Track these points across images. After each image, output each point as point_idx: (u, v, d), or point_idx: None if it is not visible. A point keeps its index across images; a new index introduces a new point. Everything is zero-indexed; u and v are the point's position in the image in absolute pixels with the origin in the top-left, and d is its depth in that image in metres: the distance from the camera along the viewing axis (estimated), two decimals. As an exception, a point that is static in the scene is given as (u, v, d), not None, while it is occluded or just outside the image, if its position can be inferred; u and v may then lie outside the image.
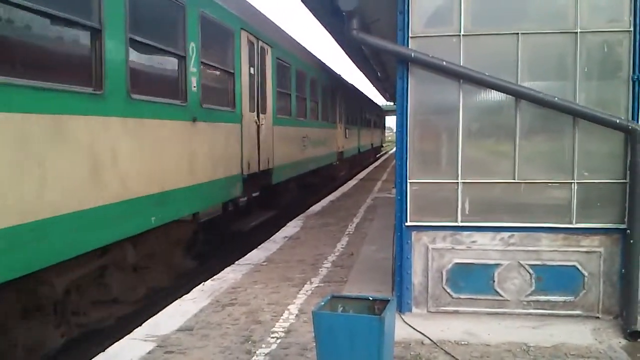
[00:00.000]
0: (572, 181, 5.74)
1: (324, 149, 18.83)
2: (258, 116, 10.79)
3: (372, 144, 39.46)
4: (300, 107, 15.46)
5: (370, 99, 39.49)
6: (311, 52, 18.74)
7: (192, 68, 7.63)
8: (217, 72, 9.01)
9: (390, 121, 79.10)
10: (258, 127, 10.75)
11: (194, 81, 7.70)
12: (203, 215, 8.87)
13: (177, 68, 7.39)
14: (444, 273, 5.90)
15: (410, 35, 5.79)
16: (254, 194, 11.29)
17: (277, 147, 12.20)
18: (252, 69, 10.49)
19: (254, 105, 10.58)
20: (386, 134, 72.20)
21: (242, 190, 9.83)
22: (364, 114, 32.78)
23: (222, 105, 9.00)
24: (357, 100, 29.42)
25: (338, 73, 23.83)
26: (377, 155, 48.01)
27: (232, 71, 9.42)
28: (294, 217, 12.86)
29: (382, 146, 56.28)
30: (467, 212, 5.87)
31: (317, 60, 19.08)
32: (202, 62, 7.99)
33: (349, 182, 22.03)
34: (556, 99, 5.60)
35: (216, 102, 8.72)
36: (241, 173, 9.72)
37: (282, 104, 13.16)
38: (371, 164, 35.36)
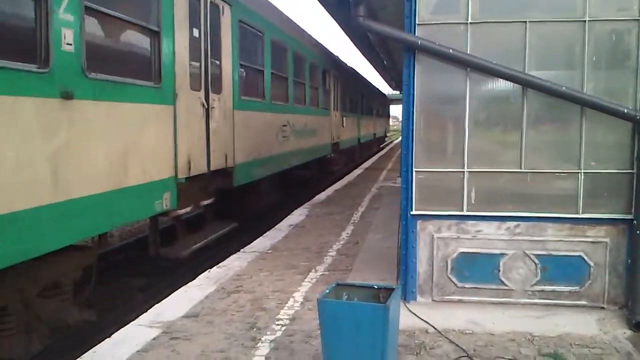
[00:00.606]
0: (579, 171, 5.71)
1: (313, 139, 15.91)
2: (207, 97, 8.08)
3: (374, 134, 36.47)
4: (279, 89, 12.50)
5: (373, 86, 36.88)
6: (297, 23, 15.39)
7: (64, 14, 5.01)
8: (124, 28, 6.15)
9: (395, 110, 78.89)
10: (207, 111, 8.07)
11: (67, 35, 5.05)
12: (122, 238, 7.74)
13: (31, 12, 4.77)
14: (449, 262, 5.90)
15: (417, 22, 5.75)
16: (204, 202, 8.43)
17: (242, 138, 9.47)
18: (195, 30, 7.79)
19: (198, 81, 7.85)
20: (392, 123, 71.97)
21: (177, 200, 7.10)
22: (365, 100, 29.83)
23: (132, 76, 6.18)
24: (358, 85, 26.67)
25: (334, 53, 21.17)
26: (381, 146, 45.17)
27: (155, 29, 6.58)
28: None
29: (387, 136, 53.21)
30: (472, 202, 5.86)
31: (304, 34, 15.83)
32: (87, 8, 5.34)
33: (354, 171, 22.00)
34: (564, 88, 5.56)
35: (120, 71, 5.95)
36: (175, 176, 7.00)
37: (250, 82, 10.44)
38: (374, 155, 33.29)
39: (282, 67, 12.75)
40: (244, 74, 9.98)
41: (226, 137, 8.82)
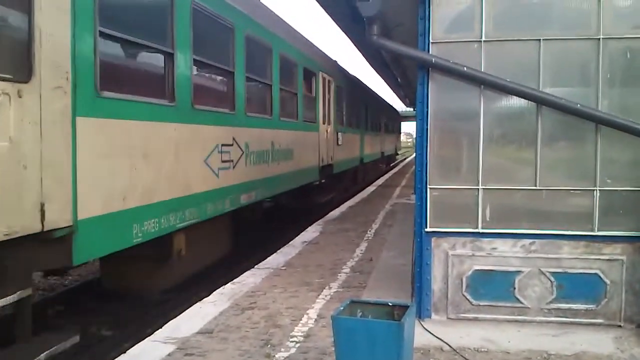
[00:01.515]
0: (595, 188, 5.69)
1: (289, 163, 11.76)
2: None
3: (382, 152, 31.72)
4: (216, 88, 8.76)
5: (381, 98, 32.64)
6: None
7: None
8: None
9: (406, 127, 78.72)
10: None
11: None
12: None
13: None
14: (464, 279, 5.88)
15: (431, 40, 5.80)
16: None
17: (102, 171, 5.45)
18: None
19: None
20: (405, 139, 71.33)
21: None
22: (371, 114, 25.80)
23: None
24: (361, 96, 22.62)
25: (327, 54, 17.24)
26: (391, 165, 41.66)
27: None
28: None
29: (397, 154, 48.87)
30: (487, 219, 5.85)
31: (271, 13, 11.38)
32: None
33: (368, 188, 21.97)
34: (578, 105, 5.57)
35: None
36: None
37: (134, 69, 6.71)
38: (381, 176, 28.79)
39: (221, 54, 8.53)
40: (116, 53, 6.09)
41: (48, 173, 4.73)
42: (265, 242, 11.58)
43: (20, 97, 4.53)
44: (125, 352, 5.25)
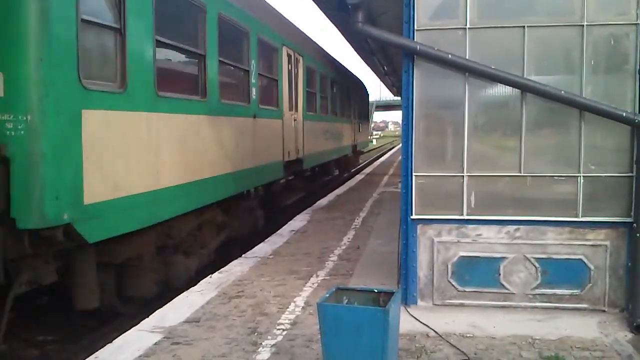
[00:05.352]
0: (579, 175, 5.73)
1: None
2: None
3: (296, 159, 13.33)
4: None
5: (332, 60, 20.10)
6: None
7: None
8: None
9: (397, 115, 78.54)
10: None
11: None
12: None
13: None
14: (450, 266, 5.91)
15: (415, 28, 5.78)
16: None
17: None
18: None
19: None
20: (393, 129, 69.63)
21: None
22: (293, 86, 13.17)
23: None
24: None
25: None
26: (352, 170, 26.24)
27: None
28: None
29: (362, 152, 31.70)
30: (472, 206, 5.87)
31: None
32: None
33: (356, 176, 21.99)
34: (562, 92, 5.59)
35: None
36: None
37: None
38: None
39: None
40: None
41: None
42: (253, 231, 11.55)
43: None
44: (111, 342, 5.24)
